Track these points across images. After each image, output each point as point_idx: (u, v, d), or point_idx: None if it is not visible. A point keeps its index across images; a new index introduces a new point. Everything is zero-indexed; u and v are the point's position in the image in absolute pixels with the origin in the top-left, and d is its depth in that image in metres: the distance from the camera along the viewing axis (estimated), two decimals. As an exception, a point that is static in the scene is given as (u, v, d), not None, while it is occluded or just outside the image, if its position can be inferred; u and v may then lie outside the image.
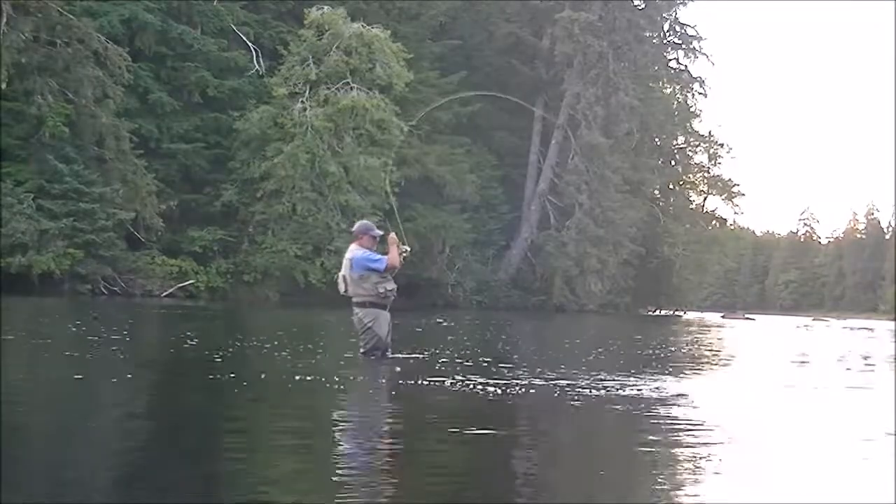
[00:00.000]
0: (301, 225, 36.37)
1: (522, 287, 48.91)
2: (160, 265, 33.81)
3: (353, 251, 10.28)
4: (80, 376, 7.79)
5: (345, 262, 10.35)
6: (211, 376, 8.23)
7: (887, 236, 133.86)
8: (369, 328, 10.16)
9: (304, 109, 36.85)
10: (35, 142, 30.73)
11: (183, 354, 10.86)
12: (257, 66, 38.63)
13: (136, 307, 25.25)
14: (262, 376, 8.56)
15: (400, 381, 8.47)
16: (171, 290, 33.35)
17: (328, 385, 8.00)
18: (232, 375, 8.20)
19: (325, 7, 38.33)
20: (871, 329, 43.19)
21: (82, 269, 30.67)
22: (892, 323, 61.79)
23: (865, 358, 16.13)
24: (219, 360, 9.68)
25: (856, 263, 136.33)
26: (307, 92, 37.49)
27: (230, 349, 11.09)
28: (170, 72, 36.61)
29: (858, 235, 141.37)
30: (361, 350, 10.23)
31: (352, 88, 37.36)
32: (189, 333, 13.55)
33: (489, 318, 29.79)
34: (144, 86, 35.06)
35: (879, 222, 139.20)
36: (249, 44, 38.79)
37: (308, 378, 8.18)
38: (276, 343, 12.35)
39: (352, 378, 8.86)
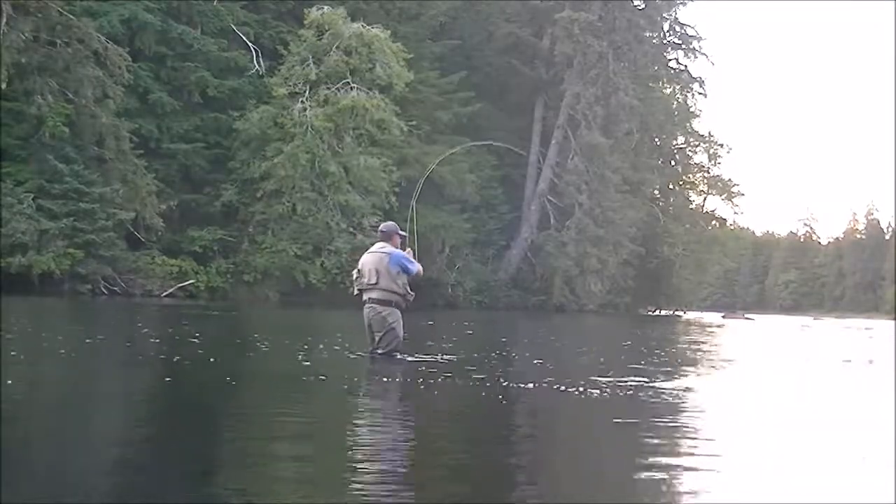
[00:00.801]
0: (301, 225, 36.37)
1: (522, 287, 48.88)
2: (160, 265, 33.81)
3: (388, 248, 10.28)
4: (168, 379, 7.84)
5: (377, 256, 10.23)
6: (304, 378, 8.35)
7: (887, 236, 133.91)
8: (392, 328, 10.17)
9: (304, 109, 36.84)
10: (35, 142, 30.73)
11: (268, 357, 10.78)
12: (257, 66, 38.61)
13: (146, 307, 25.25)
14: (355, 379, 8.57)
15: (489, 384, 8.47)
16: (171, 290, 33.34)
17: (424, 388, 8.08)
18: (322, 378, 8.24)
19: (325, 7, 38.33)
20: (869, 329, 43.21)
21: (82, 269, 30.67)
22: (892, 323, 61.81)
23: (869, 361, 16.14)
24: (306, 362, 9.70)
25: (856, 263, 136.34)
26: (307, 92, 37.49)
27: (300, 351, 11.02)
28: (170, 72, 36.59)
29: (858, 235, 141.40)
30: (380, 351, 10.14)
31: (352, 88, 37.36)
32: (256, 335, 13.52)
33: (509, 319, 29.81)
34: (144, 86, 35.05)
35: (879, 222, 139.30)
36: (249, 44, 38.78)
37: (392, 380, 8.33)
38: (346, 344, 12.16)
39: (448, 380, 8.85)
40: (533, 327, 24.77)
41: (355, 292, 10.42)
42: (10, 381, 7.03)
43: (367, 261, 10.32)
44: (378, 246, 10.40)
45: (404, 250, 10.48)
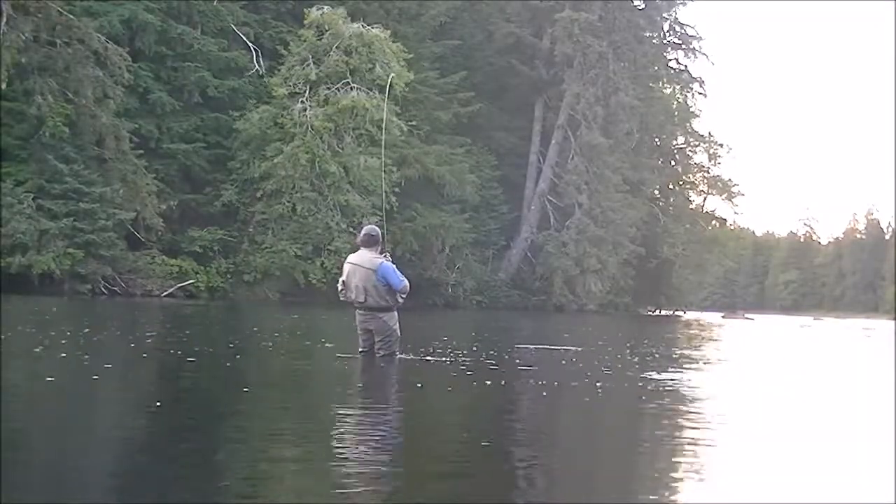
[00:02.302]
0: (301, 225, 36.37)
1: (522, 287, 48.89)
2: (160, 265, 33.81)
3: (374, 258, 10.02)
4: (169, 379, 7.82)
5: (364, 272, 9.91)
6: (304, 378, 8.34)
7: (887, 236, 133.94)
8: (394, 330, 10.12)
9: (304, 109, 36.84)
10: (35, 142, 30.73)
11: (268, 358, 10.65)
12: (257, 66, 38.60)
13: (146, 307, 25.26)
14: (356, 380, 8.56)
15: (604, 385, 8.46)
16: (171, 290, 33.35)
17: (426, 388, 8.00)
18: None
19: (325, 7, 38.32)
20: (869, 329, 43.23)
21: (82, 269, 30.66)
22: (892, 323, 61.84)
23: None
24: (308, 363, 9.57)
25: (856, 263, 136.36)
26: (307, 92, 37.48)
27: (301, 352, 10.93)
28: (170, 72, 36.58)
29: (858, 235, 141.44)
30: (383, 353, 10.02)
31: (352, 88, 37.36)
32: (258, 335, 13.37)
33: (551, 319, 29.81)
34: (144, 86, 35.03)
35: (879, 222, 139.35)
36: (249, 44, 38.77)
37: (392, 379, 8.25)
38: (346, 345, 12.07)
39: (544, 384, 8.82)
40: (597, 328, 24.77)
41: (342, 299, 10.30)
42: (19, 372, 7.03)
43: (353, 275, 9.99)
44: (365, 257, 10.04)
45: (382, 253, 10.26)
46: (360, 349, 10.25)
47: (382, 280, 9.94)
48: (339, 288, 10.24)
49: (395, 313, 10.19)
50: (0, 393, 6.51)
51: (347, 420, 6.39)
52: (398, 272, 10.05)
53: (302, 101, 37.14)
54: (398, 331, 10.19)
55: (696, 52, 58.88)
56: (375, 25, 38.72)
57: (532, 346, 14.48)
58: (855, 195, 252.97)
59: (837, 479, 4.97)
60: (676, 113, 63.24)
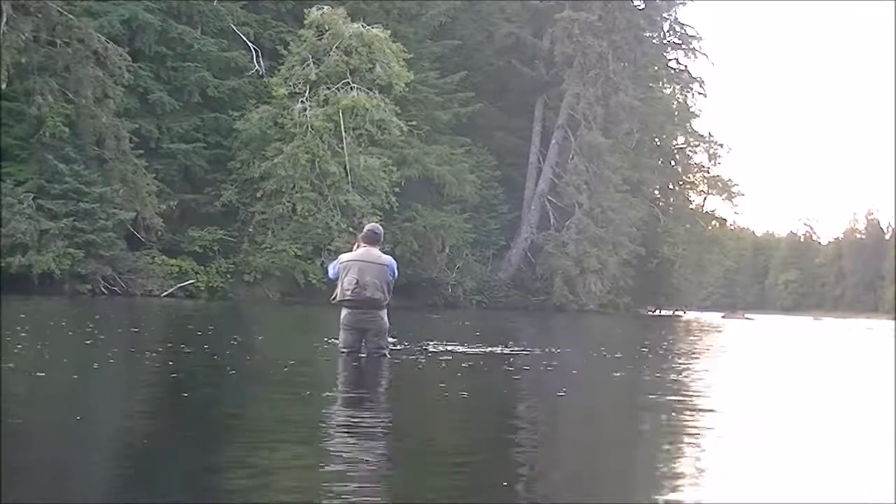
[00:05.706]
0: (301, 225, 36.38)
1: (522, 287, 48.87)
2: (160, 265, 33.82)
3: (380, 255, 10.00)
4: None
5: (379, 269, 9.83)
6: (302, 379, 8.16)
7: (887, 236, 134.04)
8: (387, 329, 10.09)
9: (304, 109, 36.85)
10: (35, 142, 30.74)
11: (267, 357, 10.57)
12: (257, 66, 38.62)
13: (147, 307, 25.27)
14: (353, 380, 8.53)
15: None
16: (171, 290, 33.37)
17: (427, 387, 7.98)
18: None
19: (325, 7, 38.33)
20: (870, 328, 43.25)
21: (82, 269, 30.67)
22: (892, 322, 61.86)
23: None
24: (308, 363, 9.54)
25: (856, 263, 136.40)
26: (307, 92, 37.49)
27: (300, 352, 10.91)
28: (170, 72, 36.58)
29: (858, 235, 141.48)
30: (383, 351, 9.97)
31: (352, 88, 37.36)
32: (257, 335, 13.29)
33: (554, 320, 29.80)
34: (144, 86, 35.02)
35: (879, 222, 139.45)
36: (249, 44, 38.77)
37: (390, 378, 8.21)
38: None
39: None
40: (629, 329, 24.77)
41: (342, 298, 9.86)
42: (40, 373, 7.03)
43: (365, 272, 9.77)
44: (373, 254, 9.96)
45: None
46: (345, 349, 9.96)
47: (391, 275, 9.95)
48: (351, 286, 9.73)
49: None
50: (0, 393, 6.50)
51: (347, 419, 6.39)
52: None
53: (302, 101, 37.15)
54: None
55: (696, 52, 58.97)
56: (375, 25, 38.73)
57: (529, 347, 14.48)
58: (855, 195, 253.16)
59: (837, 479, 4.97)
60: (676, 113, 63.25)
